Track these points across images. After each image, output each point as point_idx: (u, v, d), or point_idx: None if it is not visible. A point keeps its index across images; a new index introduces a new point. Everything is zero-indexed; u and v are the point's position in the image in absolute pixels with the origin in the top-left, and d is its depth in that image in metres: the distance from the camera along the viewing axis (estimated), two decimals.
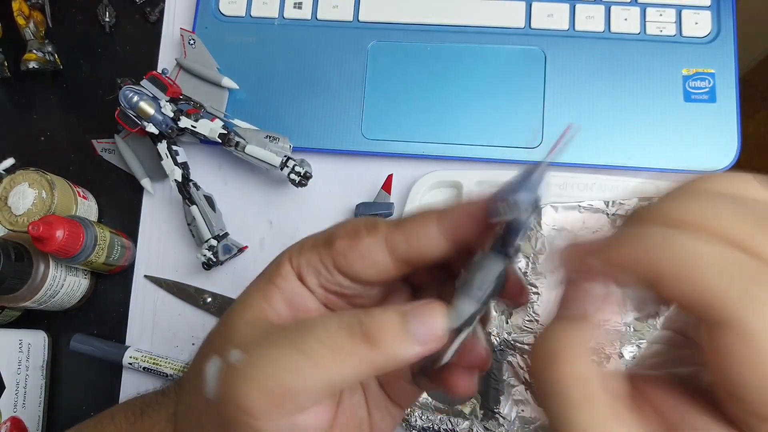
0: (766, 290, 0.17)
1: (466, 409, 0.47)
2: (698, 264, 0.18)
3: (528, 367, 0.21)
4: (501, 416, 0.46)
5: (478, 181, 0.51)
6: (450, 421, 0.46)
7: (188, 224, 0.53)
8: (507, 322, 0.47)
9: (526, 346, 0.47)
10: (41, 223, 0.44)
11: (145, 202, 0.56)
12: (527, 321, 0.47)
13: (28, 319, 0.55)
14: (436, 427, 0.46)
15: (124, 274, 0.55)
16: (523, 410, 0.46)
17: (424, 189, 0.52)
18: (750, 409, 0.18)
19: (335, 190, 0.55)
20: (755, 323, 0.17)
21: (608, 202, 0.49)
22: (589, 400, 0.19)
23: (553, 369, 0.19)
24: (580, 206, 0.50)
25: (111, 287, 0.56)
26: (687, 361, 0.22)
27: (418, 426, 0.46)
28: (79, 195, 0.54)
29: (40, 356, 0.53)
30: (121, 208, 0.56)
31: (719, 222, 0.19)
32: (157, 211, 0.56)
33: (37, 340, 0.52)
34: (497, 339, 0.48)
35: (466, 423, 0.46)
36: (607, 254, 0.19)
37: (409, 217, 0.25)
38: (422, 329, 0.22)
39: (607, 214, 0.49)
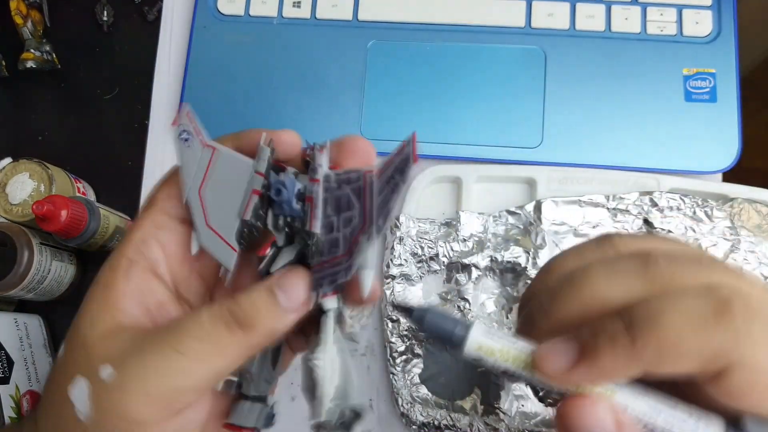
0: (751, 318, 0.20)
1: (467, 405, 0.47)
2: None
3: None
4: (501, 411, 0.46)
5: (479, 176, 0.51)
6: (450, 416, 0.46)
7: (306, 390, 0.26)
8: (507, 317, 0.47)
9: None
10: (45, 202, 0.45)
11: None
12: None
13: (22, 312, 0.54)
14: (436, 423, 0.46)
15: None
16: (523, 405, 0.46)
17: (424, 184, 0.51)
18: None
19: None
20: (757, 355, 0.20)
21: (609, 196, 0.49)
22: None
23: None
24: (580, 201, 0.49)
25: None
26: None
27: (418, 422, 0.46)
28: (79, 191, 0.54)
29: (40, 336, 0.53)
30: (119, 208, 0.56)
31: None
32: None
33: (32, 321, 0.53)
34: None
35: (467, 418, 0.46)
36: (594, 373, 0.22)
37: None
38: (292, 299, 0.24)
39: (608, 209, 0.49)
